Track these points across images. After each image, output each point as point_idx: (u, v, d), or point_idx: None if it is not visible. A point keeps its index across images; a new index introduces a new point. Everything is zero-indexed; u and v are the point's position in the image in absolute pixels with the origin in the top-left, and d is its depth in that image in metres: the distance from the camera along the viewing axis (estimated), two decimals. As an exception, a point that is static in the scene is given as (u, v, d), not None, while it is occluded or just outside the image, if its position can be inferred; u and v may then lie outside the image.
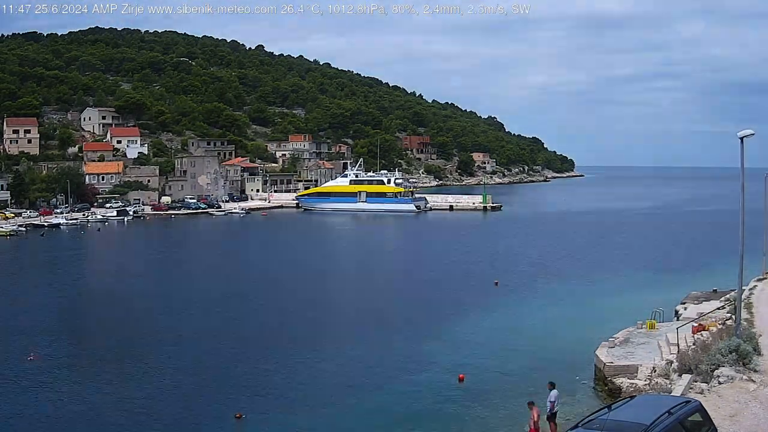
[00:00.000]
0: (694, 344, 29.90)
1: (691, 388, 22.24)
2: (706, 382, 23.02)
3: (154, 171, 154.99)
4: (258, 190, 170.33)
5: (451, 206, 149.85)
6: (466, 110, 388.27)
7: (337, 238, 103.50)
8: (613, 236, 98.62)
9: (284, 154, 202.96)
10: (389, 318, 47.91)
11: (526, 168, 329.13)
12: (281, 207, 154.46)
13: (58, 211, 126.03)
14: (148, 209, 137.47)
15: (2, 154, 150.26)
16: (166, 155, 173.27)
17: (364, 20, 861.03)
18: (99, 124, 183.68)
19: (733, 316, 29.80)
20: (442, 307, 51.10)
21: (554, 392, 24.36)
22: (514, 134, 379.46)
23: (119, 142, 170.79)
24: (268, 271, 69.15)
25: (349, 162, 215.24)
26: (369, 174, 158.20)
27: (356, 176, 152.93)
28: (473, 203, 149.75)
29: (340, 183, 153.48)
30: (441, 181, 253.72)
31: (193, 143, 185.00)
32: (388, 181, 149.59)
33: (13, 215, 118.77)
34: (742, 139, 25.56)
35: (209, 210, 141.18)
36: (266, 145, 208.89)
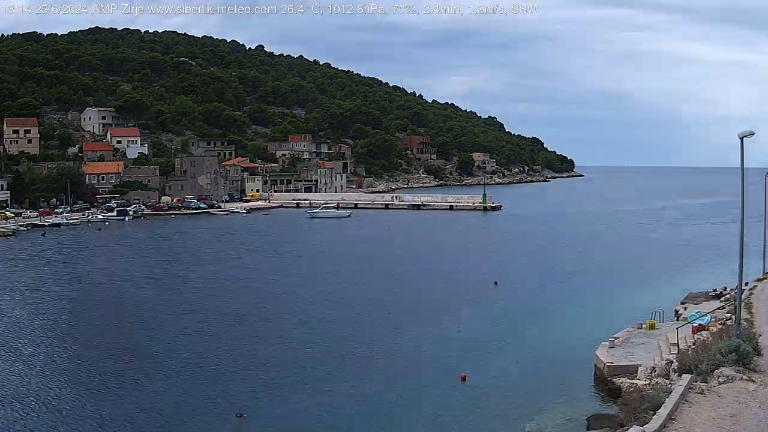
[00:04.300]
0: (694, 344, 29.94)
1: (691, 388, 22.26)
2: (706, 382, 23.04)
3: (154, 171, 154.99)
4: (258, 190, 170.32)
5: (452, 206, 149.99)
6: (466, 110, 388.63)
7: (337, 237, 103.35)
8: (613, 236, 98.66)
9: (284, 154, 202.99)
10: (391, 317, 47.95)
11: (526, 168, 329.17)
12: (281, 207, 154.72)
13: (58, 211, 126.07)
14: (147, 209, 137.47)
15: (2, 154, 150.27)
16: (166, 155, 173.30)
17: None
18: (99, 124, 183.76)
19: (733, 316, 29.82)
20: (444, 306, 51.14)
21: None
22: (514, 134, 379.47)
23: (119, 142, 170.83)
24: (269, 269, 69.13)
25: (349, 162, 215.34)
26: None
27: None
28: (473, 203, 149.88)
29: None
30: (441, 181, 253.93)
31: (193, 143, 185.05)
32: None
33: (13, 215, 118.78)
34: (742, 138, 25.57)
35: (210, 210, 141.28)
36: (266, 145, 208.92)
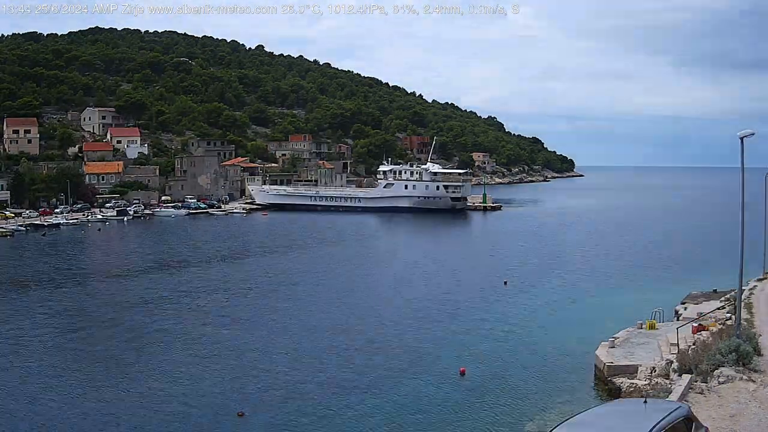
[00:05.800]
0: (694, 344, 29.94)
1: (691, 388, 22.26)
2: (706, 382, 23.03)
3: (154, 171, 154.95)
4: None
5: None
6: (466, 110, 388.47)
7: (338, 234, 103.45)
8: (613, 236, 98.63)
9: (284, 154, 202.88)
10: (391, 314, 47.96)
11: (526, 168, 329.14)
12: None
13: (58, 211, 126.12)
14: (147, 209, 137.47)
15: (2, 154, 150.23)
16: (166, 155, 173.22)
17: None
18: (99, 124, 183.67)
19: (733, 316, 29.82)
20: (444, 304, 51.18)
21: None
22: (514, 134, 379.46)
23: (119, 142, 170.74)
24: (269, 268, 69.16)
25: (349, 162, 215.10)
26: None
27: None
28: (473, 203, 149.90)
29: None
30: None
31: (193, 143, 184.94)
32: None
33: (13, 215, 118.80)
34: (742, 138, 25.55)
35: (209, 210, 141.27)
36: (266, 145, 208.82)
